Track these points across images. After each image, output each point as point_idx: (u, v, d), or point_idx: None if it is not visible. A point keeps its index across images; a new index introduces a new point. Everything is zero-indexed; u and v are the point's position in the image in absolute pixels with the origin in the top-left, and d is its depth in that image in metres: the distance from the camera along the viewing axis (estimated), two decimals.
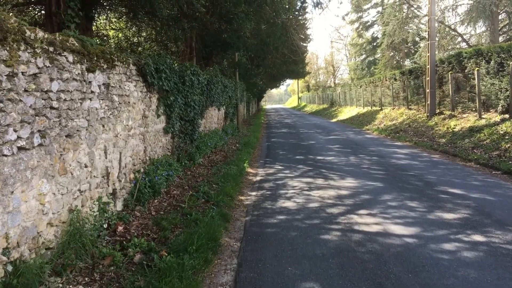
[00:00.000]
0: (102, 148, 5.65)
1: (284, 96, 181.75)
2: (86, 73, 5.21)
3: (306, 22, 34.11)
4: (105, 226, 5.49)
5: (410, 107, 24.09)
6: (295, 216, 6.71)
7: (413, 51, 53.23)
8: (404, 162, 11.88)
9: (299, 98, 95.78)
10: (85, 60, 5.20)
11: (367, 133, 22.06)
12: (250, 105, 46.43)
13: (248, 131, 23.05)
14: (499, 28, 32.05)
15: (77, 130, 4.94)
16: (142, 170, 7.40)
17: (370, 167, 11.24)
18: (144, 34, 21.31)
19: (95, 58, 5.49)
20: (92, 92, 5.37)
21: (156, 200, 7.18)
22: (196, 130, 10.92)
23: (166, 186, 8.01)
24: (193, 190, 8.19)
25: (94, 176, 5.37)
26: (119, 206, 6.24)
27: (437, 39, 33.87)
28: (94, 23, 21.27)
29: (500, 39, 32.18)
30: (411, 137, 17.71)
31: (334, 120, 35.74)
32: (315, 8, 22.21)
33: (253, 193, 8.51)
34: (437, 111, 19.72)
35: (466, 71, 17.86)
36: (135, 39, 21.58)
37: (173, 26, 11.92)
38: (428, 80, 19.78)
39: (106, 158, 5.76)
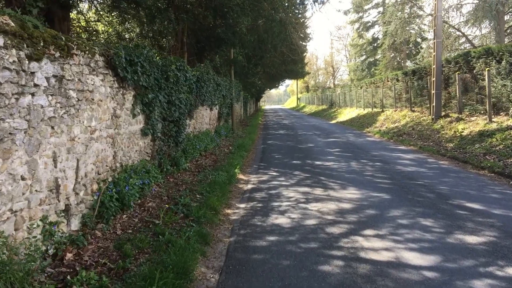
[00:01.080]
0: (50, 155, 4.56)
1: (283, 97, 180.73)
2: (27, 62, 4.13)
3: (306, 21, 33.07)
4: (50, 252, 4.41)
5: (413, 109, 23.05)
6: (289, 237, 5.63)
7: (414, 52, 52.30)
8: (410, 169, 10.81)
9: (298, 98, 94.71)
10: (25, 45, 4.12)
11: (368, 135, 20.99)
12: (247, 105, 45.35)
13: (243, 132, 21.97)
14: (505, 29, 31.02)
15: (10, 134, 3.86)
16: (110, 179, 6.32)
17: (374, 174, 10.17)
18: (138, 29, 20.26)
19: (42, 44, 4.41)
20: (36, 85, 4.29)
21: (125, 216, 6.08)
22: (181, 132, 9.84)
23: (140, 197, 6.92)
24: (173, 201, 7.11)
25: (36, 190, 4.28)
26: (75, 225, 5.14)
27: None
28: (83, 17, 20.29)
29: (506, 40, 31.16)
30: (415, 141, 16.65)
31: (333, 121, 34.67)
32: (314, 4, 21.04)
33: (242, 206, 7.42)
34: (443, 113, 18.66)
35: (474, 71, 16.82)
36: (126, 35, 20.51)
37: (159, 17, 10.83)
38: (433, 80, 18.72)
39: (55, 167, 4.67)
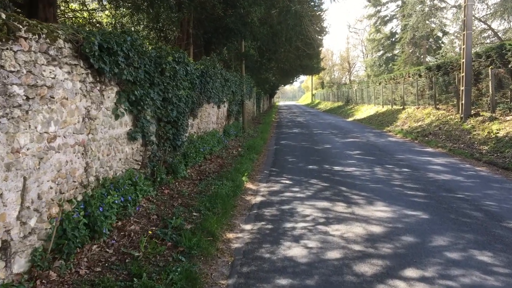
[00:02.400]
0: None
1: (298, 93, 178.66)
2: None
3: (322, 14, 31.50)
4: None
5: (438, 106, 21.39)
6: (306, 281, 4.24)
7: (434, 47, 50.25)
8: (445, 178, 9.34)
9: (313, 95, 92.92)
10: None
11: (389, 135, 19.44)
12: (260, 102, 43.95)
13: (255, 131, 20.59)
14: None
15: None
16: (80, 198, 5.01)
17: (404, 184, 8.72)
18: (144, 22, 19.00)
19: None
20: None
21: (96, 246, 4.77)
22: (180, 134, 8.51)
23: (121, 218, 5.61)
24: (162, 223, 5.78)
25: None
26: (20, 266, 3.85)
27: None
28: (86, 9, 19.12)
29: None
30: (443, 142, 15.10)
31: (350, 119, 33.07)
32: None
33: (248, 227, 6.06)
34: (473, 112, 17.01)
35: (510, 65, 15.16)
36: (132, 28, 19.28)
37: (157, 2, 9.50)
38: (462, 76, 17.07)
39: None
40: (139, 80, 6.53)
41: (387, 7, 59.78)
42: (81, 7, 18.38)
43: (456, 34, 31.87)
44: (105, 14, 20.05)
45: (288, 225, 6.09)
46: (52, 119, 4.40)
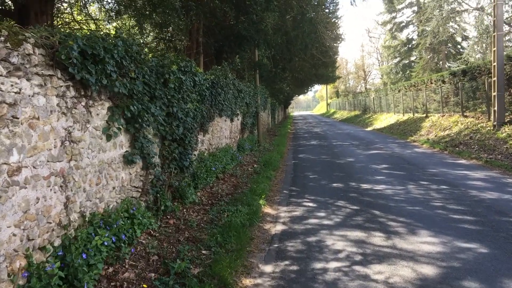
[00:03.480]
0: None
1: (312, 103, 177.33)
2: None
3: (337, 21, 30.51)
4: None
5: (465, 114, 20.06)
6: None
7: (454, 53, 48.74)
8: (491, 196, 8.12)
9: (328, 104, 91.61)
10: None
11: (415, 146, 18.17)
12: (275, 113, 42.96)
13: (271, 144, 19.50)
14: None
15: None
16: (58, 242, 4.00)
17: (446, 205, 7.54)
18: (153, 33, 18.20)
19: None
20: None
21: None
22: (188, 153, 7.49)
23: (113, 261, 4.57)
24: (163, 267, 4.72)
25: None
26: None
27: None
28: (92, 20, 18.39)
29: None
30: (477, 153, 13.81)
31: (369, 128, 31.78)
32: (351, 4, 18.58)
33: (268, 269, 4.95)
34: (507, 119, 15.70)
35: None
36: (140, 40, 18.50)
37: (161, 5, 8.57)
38: (494, 81, 15.79)
39: None
40: (136, 93, 5.53)
41: (402, 13, 58.57)
42: (86, 17, 17.66)
43: (478, 38, 30.44)
44: (113, 26, 19.34)
45: (318, 265, 4.97)
46: (15, 146, 3.40)
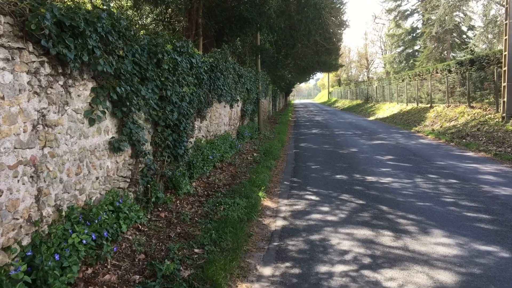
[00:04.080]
0: None
1: (313, 91, 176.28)
2: None
3: (342, 6, 29.71)
4: None
5: (471, 104, 19.48)
6: None
7: (459, 42, 47.92)
8: (506, 192, 7.61)
9: (329, 93, 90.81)
10: None
11: (419, 136, 17.62)
12: (276, 100, 42.31)
13: (271, 132, 18.94)
14: None
15: None
16: (27, 240, 3.49)
17: (458, 202, 7.03)
18: (152, 15, 17.53)
19: None
20: None
21: None
22: (183, 140, 6.96)
23: (93, 261, 4.06)
24: (150, 269, 4.21)
25: None
26: None
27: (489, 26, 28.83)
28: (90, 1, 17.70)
29: None
30: (485, 146, 13.26)
31: (371, 118, 31.19)
32: None
33: (267, 272, 4.45)
34: None
35: None
36: (139, 21, 17.83)
37: None
38: (504, 70, 15.19)
39: None
40: (124, 73, 4.98)
41: (407, 1, 57.63)
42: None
43: (485, 27, 29.64)
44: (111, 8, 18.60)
45: (322, 268, 4.47)
46: None
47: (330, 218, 6.31)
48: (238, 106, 13.99)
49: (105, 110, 4.77)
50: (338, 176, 9.53)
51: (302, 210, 6.78)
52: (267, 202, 7.35)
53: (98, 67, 4.37)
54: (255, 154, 11.96)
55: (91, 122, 4.52)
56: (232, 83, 11.70)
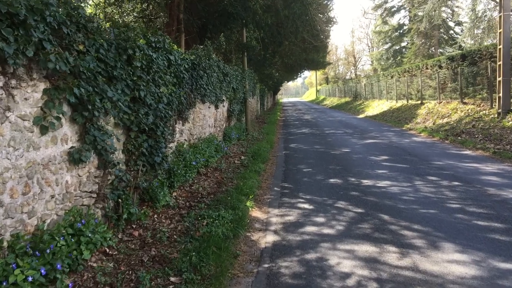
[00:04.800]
0: None
1: (301, 89, 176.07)
2: None
3: (329, 3, 29.17)
4: None
5: (464, 100, 19.00)
6: None
7: (446, 38, 47.72)
8: None
9: (317, 91, 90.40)
10: None
11: (412, 134, 17.07)
12: (264, 99, 41.65)
13: (260, 132, 18.24)
14: None
15: None
16: None
17: (465, 208, 6.41)
18: (133, 13, 16.71)
19: None
20: None
21: None
22: (161, 146, 6.23)
23: None
24: None
25: None
26: None
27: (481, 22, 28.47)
28: None
29: None
30: (483, 143, 12.73)
31: (361, 116, 30.68)
32: None
33: None
34: None
35: None
36: (120, 19, 16.99)
37: None
38: (500, 65, 14.69)
39: None
40: (85, 72, 4.24)
41: None
42: None
43: (473, 22, 29.28)
44: (90, 5, 17.80)
45: None
46: None
47: (326, 231, 5.63)
48: (224, 106, 13.25)
49: (61, 116, 4.03)
50: (332, 180, 8.86)
51: (294, 222, 6.09)
52: (256, 213, 6.65)
53: (49, 64, 3.63)
54: (242, 157, 11.25)
55: (43, 130, 3.77)
56: (216, 82, 10.97)
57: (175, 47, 7.24)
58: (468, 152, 11.98)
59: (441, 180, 8.44)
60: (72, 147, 4.27)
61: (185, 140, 8.71)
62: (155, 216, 5.84)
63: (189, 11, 12.18)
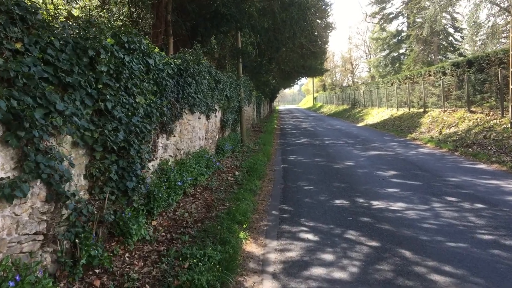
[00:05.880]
0: None
1: (298, 96, 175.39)
2: None
3: (327, 8, 28.28)
4: None
5: (471, 109, 18.01)
6: None
7: (446, 45, 47.00)
8: None
9: (314, 98, 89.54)
10: None
11: (418, 145, 16.05)
12: (261, 107, 40.60)
13: (256, 143, 17.15)
14: None
15: None
16: None
17: (499, 240, 5.36)
18: (121, 17, 15.69)
19: None
20: None
21: None
22: (135, 169, 5.14)
23: None
24: None
25: None
26: None
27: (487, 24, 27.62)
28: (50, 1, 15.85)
29: None
30: (497, 156, 11.71)
31: (361, 124, 29.67)
32: None
33: None
34: None
35: None
36: (102, 19, 15.94)
37: None
38: None
39: None
40: (21, 78, 3.17)
41: (392, 3, 56.54)
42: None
43: (476, 27, 28.46)
44: (76, 8, 16.78)
45: None
46: None
47: (337, 274, 4.55)
48: (216, 116, 12.16)
49: None
50: (337, 201, 7.79)
51: (297, 260, 5.01)
52: (251, 246, 5.57)
53: None
54: (236, 173, 10.17)
55: None
56: (207, 90, 9.91)
57: (156, 49, 6.19)
58: (483, 166, 10.95)
59: (462, 201, 7.39)
60: (1, 179, 3.18)
61: (170, 156, 7.62)
62: (127, 255, 4.74)
63: (178, 13, 11.15)
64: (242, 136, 16.20)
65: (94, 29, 4.37)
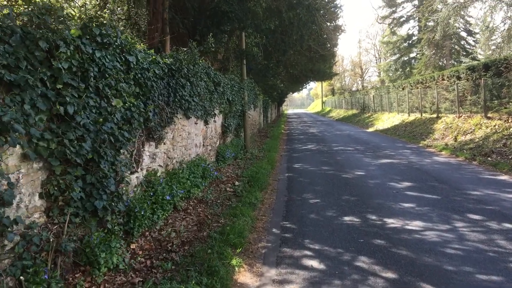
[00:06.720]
0: None
1: (306, 100, 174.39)
2: None
3: (337, 10, 27.47)
4: None
5: (488, 115, 17.04)
6: None
7: (458, 49, 45.89)
8: None
9: (323, 102, 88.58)
10: None
11: (432, 153, 15.12)
12: (268, 111, 39.78)
13: (260, 149, 16.31)
14: None
15: None
16: None
17: None
18: (117, 15, 15.03)
19: None
20: None
21: None
22: (107, 185, 4.34)
23: None
24: None
25: None
26: None
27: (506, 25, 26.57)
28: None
29: None
30: None
31: (371, 129, 28.72)
32: None
33: None
34: None
35: None
36: (99, 17, 15.29)
37: None
38: None
39: None
40: None
41: (403, 7, 55.34)
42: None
43: (491, 30, 27.44)
44: (75, 7, 16.16)
45: None
46: None
47: None
48: (216, 121, 11.34)
49: None
50: (346, 218, 6.93)
51: None
52: (244, 276, 4.73)
53: None
54: (236, 183, 9.36)
55: None
56: (205, 93, 9.11)
57: (140, 45, 5.41)
58: (505, 177, 10.04)
59: (488, 220, 6.52)
60: None
61: (159, 166, 6.83)
62: None
63: (176, 9, 10.40)
64: (246, 142, 15.37)
65: (52, 18, 3.60)
